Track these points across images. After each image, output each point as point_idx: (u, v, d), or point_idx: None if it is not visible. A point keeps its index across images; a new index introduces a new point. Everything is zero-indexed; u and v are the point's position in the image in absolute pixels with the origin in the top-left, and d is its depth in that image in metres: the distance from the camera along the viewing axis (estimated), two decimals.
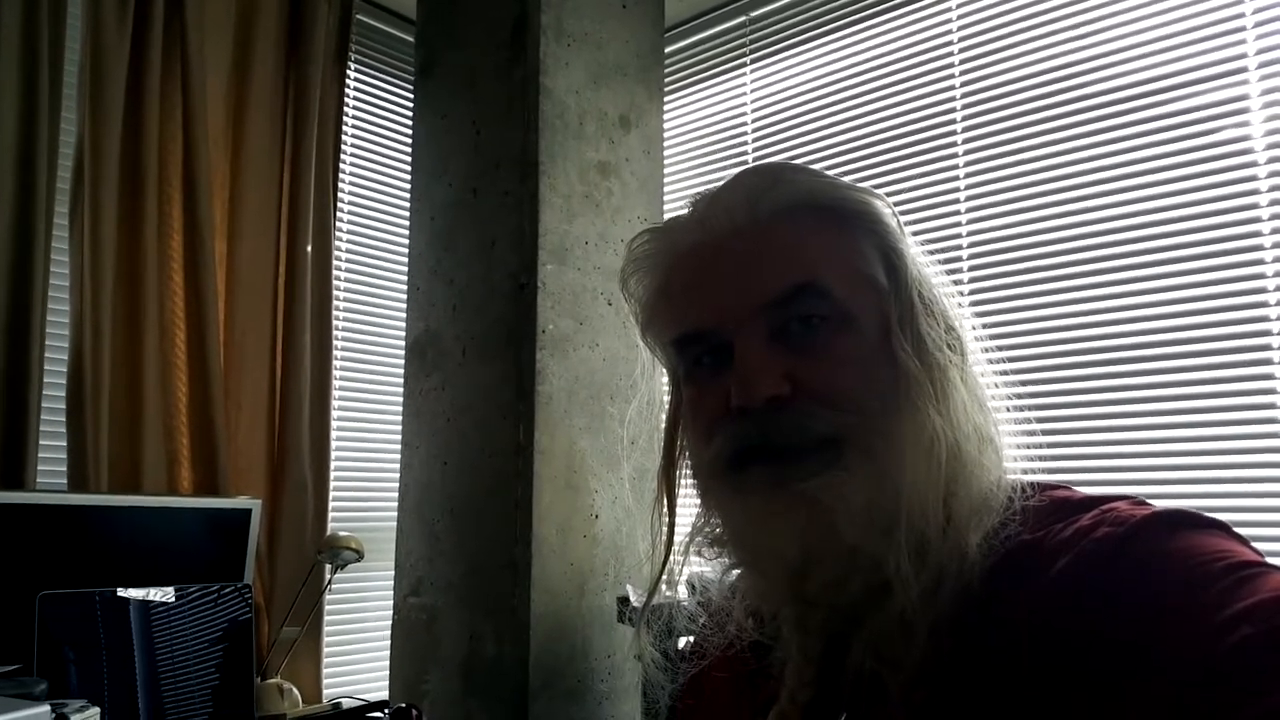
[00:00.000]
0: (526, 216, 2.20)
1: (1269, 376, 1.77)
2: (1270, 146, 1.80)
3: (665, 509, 0.75)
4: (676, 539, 0.75)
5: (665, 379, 0.78)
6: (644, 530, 0.76)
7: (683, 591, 0.76)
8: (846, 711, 0.63)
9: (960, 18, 2.25)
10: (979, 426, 0.64)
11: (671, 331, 0.69)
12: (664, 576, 0.74)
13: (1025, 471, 0.66)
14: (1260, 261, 1.79)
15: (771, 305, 0.63)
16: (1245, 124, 1.83)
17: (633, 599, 1.92)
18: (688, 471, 0.74)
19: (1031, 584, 0.56)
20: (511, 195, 2.25)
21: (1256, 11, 1.84)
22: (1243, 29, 1.86)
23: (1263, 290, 1.79)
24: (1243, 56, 1.85)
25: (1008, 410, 0.68)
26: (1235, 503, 1.77)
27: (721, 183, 0.70)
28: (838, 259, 0.65)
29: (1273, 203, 1.79)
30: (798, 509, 0.61)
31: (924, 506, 0.59)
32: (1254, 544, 0.55)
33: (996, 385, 0.69)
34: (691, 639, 0.78)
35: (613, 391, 2.29)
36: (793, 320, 0.63)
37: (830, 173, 0.71)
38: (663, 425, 0.78)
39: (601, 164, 2.36)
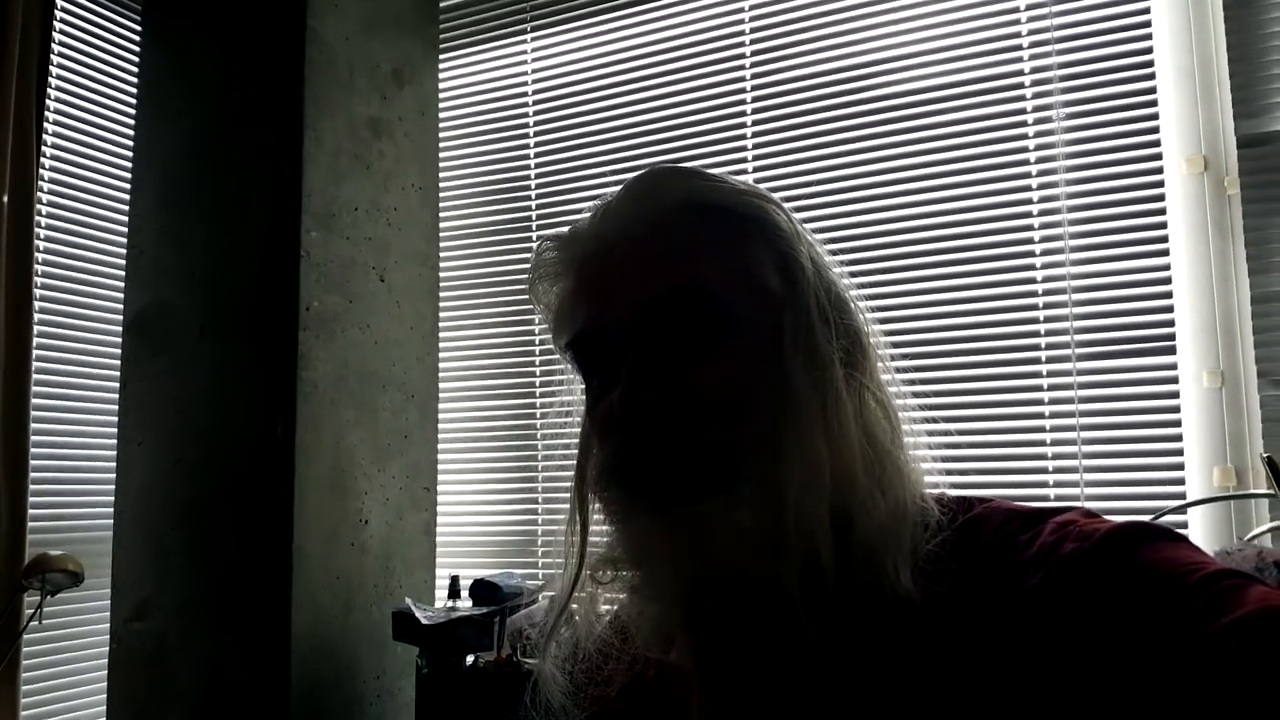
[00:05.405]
0: (286, 173, 1.92)
1: (1036, 375, 1.89)
2: (1040, 160, 1.92)
3: (578, 527, 0.70)
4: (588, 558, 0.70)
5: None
6: (558, 549, 0.71)
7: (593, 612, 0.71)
8: None
9: (752, 8, 2.21)
10: (880, 439, 0.63)
11: (564, 336, 0.68)
12: (572, 599, 0.69)
13: (935, 479, 0.66)
14: (1031, 268, 1.90)
15: (652, 309, 0.61)
16: (1022, 136, 1.94)
17: (418, 616, 1.71)
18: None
19: (1004, 602, 0.55)
20: (267, 148, 1.95)
21: (1031, 34, 1.96)
22: (1020, 47, 1.96)
23: (1033, 294, 1.90)
24: (1020, 74, 1.96)
25: (913, 420, 0.67)
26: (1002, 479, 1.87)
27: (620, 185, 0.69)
28: (725, 263, 0.63)
29: (1042, 212, 1.90)
30: (681, 533, 0.59)
31: (810, 525, 0.58)
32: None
33: (902, 394, 0.68)
34: (589, 665, 0.72)
35: (385, 380, 2.05)
36: (675, 325, 0.61)
37: (731, 176, 0.68)
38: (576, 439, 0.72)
39: (373, 120, 2.11)
